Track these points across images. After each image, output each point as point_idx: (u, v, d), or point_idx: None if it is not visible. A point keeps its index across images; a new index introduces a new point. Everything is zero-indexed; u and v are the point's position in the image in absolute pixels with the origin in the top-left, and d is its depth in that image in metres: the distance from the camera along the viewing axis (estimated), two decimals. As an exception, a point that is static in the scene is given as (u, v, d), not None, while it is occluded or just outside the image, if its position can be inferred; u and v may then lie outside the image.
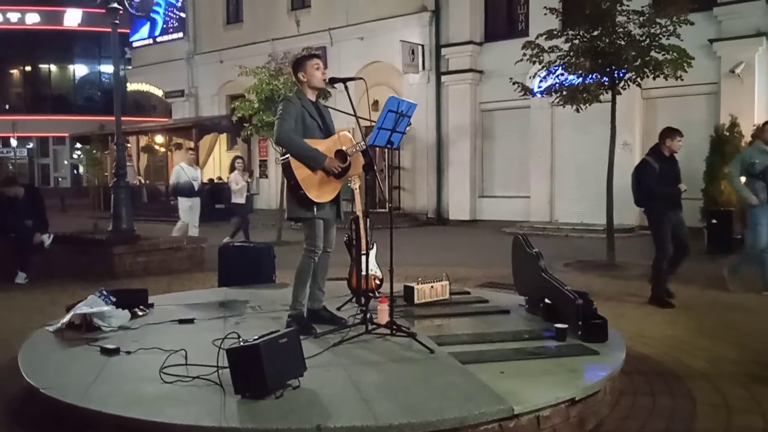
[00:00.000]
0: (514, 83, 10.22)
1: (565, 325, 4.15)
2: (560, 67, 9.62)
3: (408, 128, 4.34)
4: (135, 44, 25.58)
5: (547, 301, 4.63)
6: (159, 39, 24.49)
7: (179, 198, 11.55)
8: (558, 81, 9.79)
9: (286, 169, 4.30)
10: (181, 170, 11.75)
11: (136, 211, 11.31)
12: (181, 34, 23.65)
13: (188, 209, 11.58)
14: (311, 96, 4.51)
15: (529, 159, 15.54)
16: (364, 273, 4.80)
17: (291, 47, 15.17)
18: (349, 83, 4.50)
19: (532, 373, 3.53)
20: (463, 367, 3.60)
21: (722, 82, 12.85)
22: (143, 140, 23.73)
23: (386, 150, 4.44)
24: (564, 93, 9.68)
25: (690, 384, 4.05)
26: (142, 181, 23.37)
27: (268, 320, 4.65)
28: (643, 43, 8.94)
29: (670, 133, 6.78)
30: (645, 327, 5.57)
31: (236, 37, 21.35)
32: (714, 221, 10.41)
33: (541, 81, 10.49)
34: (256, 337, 3.22)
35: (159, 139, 23.20)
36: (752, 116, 11.80)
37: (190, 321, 4.77)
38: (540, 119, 15.00)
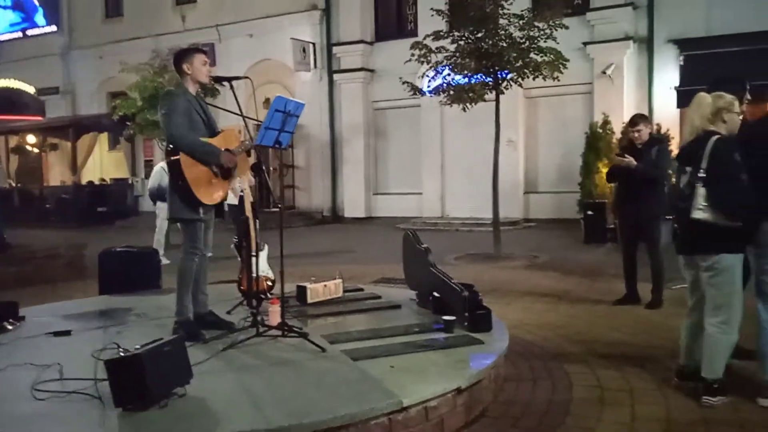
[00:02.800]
0: (404, 83, 10.42)
1: (453, 317, 4.29)
2: (447, 68, 9.93)
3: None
4: (2, 38, 23.66)
5: (435, 294, 4.77)
6: (30, 32, 22.79)
7: (158, 203, 10.20)
8: (445, 81, 10.10)
9: (174, 168, 4.15)
10: (163, 172, 10.61)
11: (7, 216, 10.45)
12: (54, 28, 22.14)
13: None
14: (193, 90, 4.37)
15: (421, 156, 15.90)
16: (254, 275, 4.72)
17: (176, 43, 14.58)
18: (237, 81, 4.40)
19: (421, 365, 3.62)
20: (355, 364, 3.63)
21: (595, 82, 13.75)
22: (13, 140, 22.00)
23: (279, 149, 4.39)
24: (451, 93, 10.00)
25: (568, 368, 4.31)
26: (13, 185, 21.68)
27: (153, 328, 4.46)
28: (523, 46, 9.39)
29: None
30: (528, 315, 5.88)
31: (117, 31, 20.26)
32: (590, 212, 11.12)
33: (429, 81, 10.77)
34: (138, 346, 3.09)
35: (31, 139, 21.58)
36: (622, 114, 12.69)
37: (67, 333, 4.47)
38: (430, 118, 15.37)
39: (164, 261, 9.20)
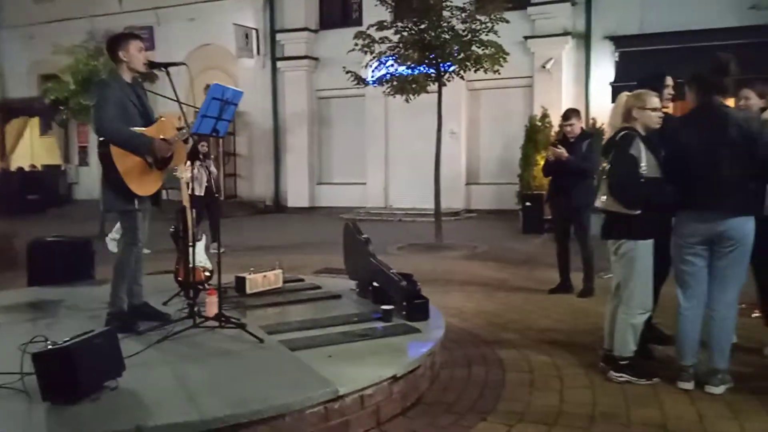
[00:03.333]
0: (347, 72, 10.40)
1: (391, 306, 4.36)
2: (391, 58, 9.97)
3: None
4: None
5: (375, 284, 4.82)
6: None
7: None
8: (389, 71, 10.15)
9: (106, 159, 4.04)
10: None
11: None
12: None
13: None
14: (128, 78, 4.24)
15: (365, 146, 15.92)
16: (191, 265, 4.65)
17: (112, 25, 14.12)
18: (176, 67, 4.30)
19: (358, 354, 3.67)
20: (293, 354, 3.65)
21: (535, 76, 14.08)
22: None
23: (217, 137, 4.32)
24: (395, 83, 10.05)
25: (502, 354, 4.45)
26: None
27: (84, 320, 4.35)
28: (465, 38, 9.52)
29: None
30: (466, 304, 6.01)
31: (49, 11, 19.39)
32: (528, 204, 11.42)
33: (374, 71, 10.80)
34: (67, 339, 3.01)
35: (-45, 122, 20.51)
36: (560, 108, 12.98)
37: (-8, 326, 4.32)
38: (375, 108, 15.40)
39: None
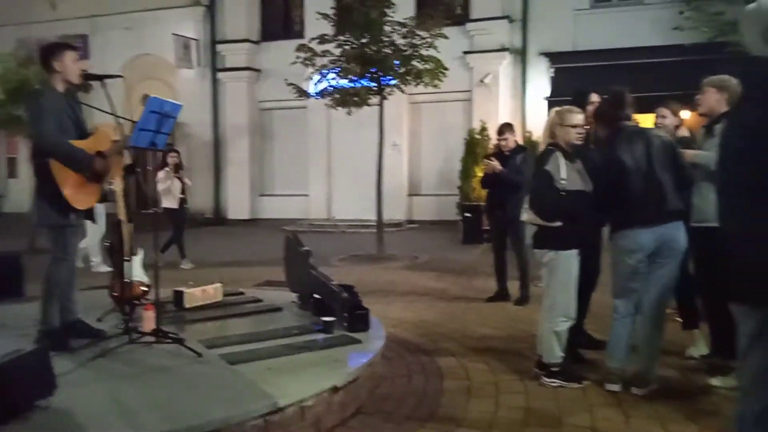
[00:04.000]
0: (289, 84, 10.41)
1: (333, 318, 4.39)
2: (333, 71, 10.04)
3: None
4: None
5: (316, 296, 4.85)
6: None
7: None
8: (331, 84, 10.22)
9: (43, 171, 3.93)
10: None
11: None
12: None
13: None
14: (62, 89, 4.14)
15: (307, 158, 15.90)
16: (127, 280, 4.57)
17: (45, 33, 13.66)
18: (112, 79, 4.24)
19: (299, 366, 3.69)
20: (232, 367, 3.63)
21: (474, 90, 14.43)
22: None
23: (155, 150, 4.27)
24: (337, 96, 10.13)
25: (441, 362, 4.54)
26: None
27: (14, 338, 4.19)
28: (405, 53, 9.70)
29: None
30: (407, 314, 6.09)
31: (-24, 16, 18.60)
32: (467, 215, 11.66)
33: (316, 83, 10.84)
34: (-5, 357, 2.92)
35: None
36: (498, 121, 13.33)
37: None
38: (317, 120, 15.43)
39: (102, 268, 8.42)
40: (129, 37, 16.77)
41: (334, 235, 13.61)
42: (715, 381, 3.95)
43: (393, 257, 9.96)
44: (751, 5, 2.18)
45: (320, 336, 4.29)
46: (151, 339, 3.99)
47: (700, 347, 4.54)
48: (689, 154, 3.95)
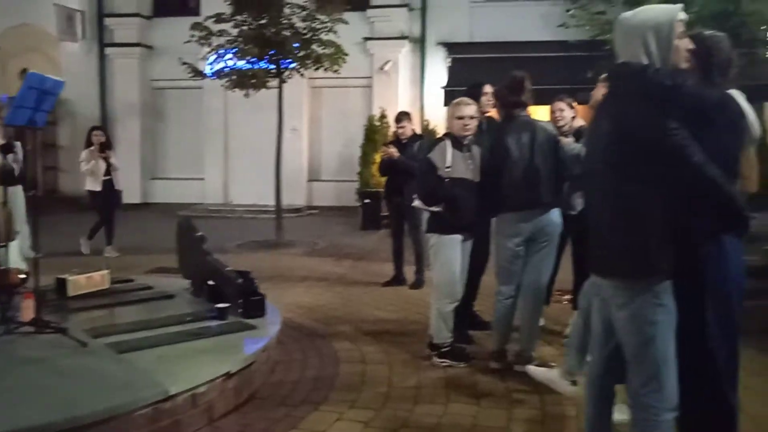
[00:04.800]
0: (183, 63, 10.04)
1: (227, 305, 4.34)
2: (230, 51, 9.78)
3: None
4: None
5: (210, 282, 4.76)
6: None
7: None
8: (228, 65, 9.95)
9: None
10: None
11: None
12: None
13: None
14: None
15: (203, 140, 15.41)
16: (3, 267, 4.29)
17: None
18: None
19: (192, 353, 3.63)
20: (120, 356, 3.52)
21: (374, 77, 14.51)
22: None
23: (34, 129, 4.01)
24: (234, 77, 9.88)
25: (337, 346, 4.62)
26: None
27: None
28: (305, 36, 9.61)
29: None
30: (304, 299, 6.12)
31: None
32: (367, 201, 11.79)
33: (212, 63, 10.52)
34: None
35: None
36: (397, 108, 13.49)
37: None
38: (214, 101, 14.94)
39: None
40: (4, 5, 15.45)
41: (231, 220, 13.32)
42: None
43: (292, 243, 9.91)
44: (628, 14, 2.38)
45: (214, 322, 4.23)
46: (31, 329, 3.78)
47: (578, 326, 4.88)
48: (565, 142, 4.22)
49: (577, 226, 4.26)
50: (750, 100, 2.68)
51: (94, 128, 9.27)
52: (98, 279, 5.07)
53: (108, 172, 8.82)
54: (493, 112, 5.05)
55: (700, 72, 2.52)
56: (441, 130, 12.82)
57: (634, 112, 2.24)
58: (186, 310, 4.61)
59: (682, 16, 2.31)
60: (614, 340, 2.49)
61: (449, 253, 4.13)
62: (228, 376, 3.40)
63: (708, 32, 2.72)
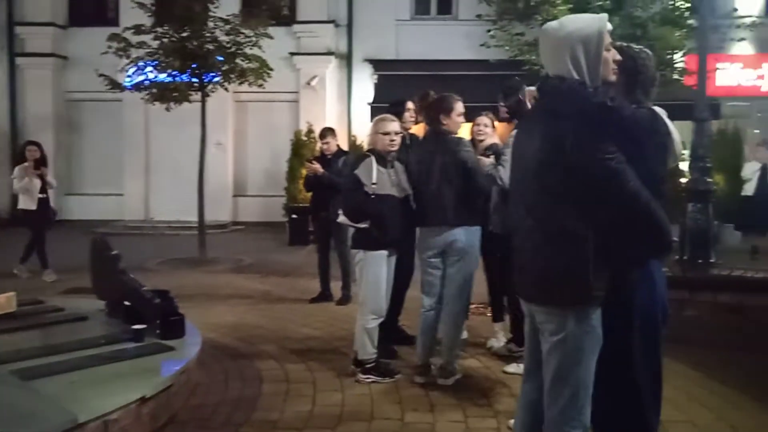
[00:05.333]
0: (100, 75, 9.69)
1: (144, 326, 4.17)
2: (150, 64, 9.52)
3: None
4: None
5: (126, 303, 4.57)
6: None
7: None
8: (148, 78, 9.67)
9: None
10: None
11: None
12: None
13: None
14: None
15: (123, 155, 14.86)
16: None
17: None
18: None
19: (106, 378, 3.46)
20: (26, 383, 3.31)
21: (301, 92, 14.47)
22: None
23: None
24: (154, 91, 9.61)
25: (260, 365, 4.53)
26: None
27: None
28: (229, 50, 9.48)
29: None
30: (228, 318, 5.97)
31: None
32: (294, 216, 11.68)
33: (131, 76, 10.20)
34: None
35: None
36: (324, 124, 13.54)
37: None
38: (134, 114, 14.44)
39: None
40: None
41: (152, 237, 12.88)
42: (509, 368, 4.38)
43: (216, 260, 9.68)
44: (554, 24, 2.26)
45: (130, 345, 4.05)
46: (-76, 358, 3.51)
47: (499, 339, 4.99)
48: (484, 162, 4.33)
49: (497, 242, 4.38)
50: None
51: (28, 143, 8.69)
52: (2, 302, 4.77)
53: (44, 189, 8.25)
54: (415, 129, 5.14)
55: (624, 87, 2.45)
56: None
57: (570, 133, 2.10)
58: (100, 332, 4.40)
59: (609, 26, 2.21)
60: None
61: (376, 269, 4.14)
62: (143, 400, 3.26)
63: (636, 47, 2.67)
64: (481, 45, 11.63)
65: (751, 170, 9.77)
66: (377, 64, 14.38)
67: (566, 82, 2.17)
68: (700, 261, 5.77)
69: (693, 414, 3.69)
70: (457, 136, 4.22)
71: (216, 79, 9.66)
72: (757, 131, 14.97)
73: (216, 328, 5.46)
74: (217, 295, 7.11)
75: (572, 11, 9.60)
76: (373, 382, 4.14)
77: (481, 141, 4.80)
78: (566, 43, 2.18)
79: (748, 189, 9.75)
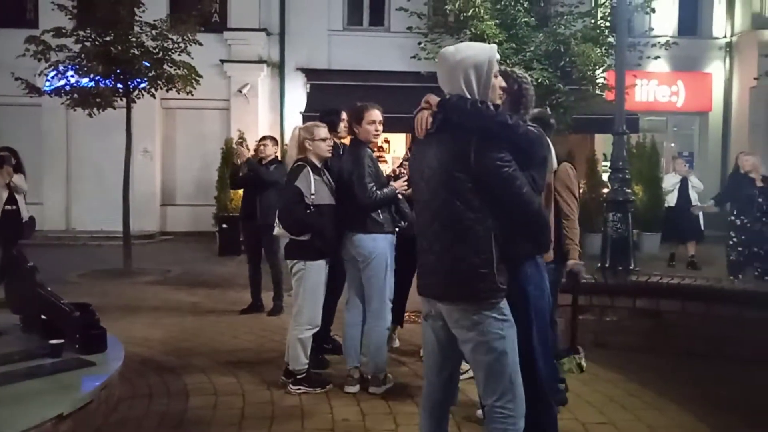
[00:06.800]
0: (17, 79, 9.23)
1: (61, 340, 3.98)
2: (72, 68, 9.15)
3: None
4: None
5: (43, 317, 4.36)
6: None
7: None
8: (69, 82, 9.29)
9: None
10: None
11: None
12: None
13: None
14: None
15: (41, 162, 14.17)
16: None
17: None
18: None
19: (21, 395, 3.29)
20: (-71, 405, 3.10)
21: (232, 100, 14.24)
22: None
23: None
24: (75, 96, 9.24)
25: (187, 379, 4.41)
26: None
27: None
28: (157, 56, 9.23)
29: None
30: (154, 331, 5.78)
31: None
32: (224, 226, 11.46)
33: (50, 80, 9.77)
34: None
35: None
36: (257, 132, 13.40)
37: None
38: (53, 120, 13.81)
39: None
40: None
41: (73, 248, 12.34)
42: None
43: (142, 271, 9.36)
44: (450, 50, 2.50)
45: (47, 360, 3.86)
46: None
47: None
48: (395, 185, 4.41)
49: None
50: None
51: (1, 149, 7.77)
52: None
53: (13, 199, 7.47)
54: (347, 140, 5.16)
55: (509, 107, 2.70)
56: (288, 159, 12.84)
57: (474, 146, 2.32)
58: (14, 347, 4.16)
59: (498, 56, 2.48)
60: (451, 364, 2.59)
61: (316, 278, 4.08)
62: (60, 418, 3.11)
63: (519, 72, 2.96)
64: (412, 57, 11.79)
65: (671, 182, 10.30)
66: (310, 74, 14.35)
67: (469, 101, 2.38)
68: (620, 268, 6.00)
69: (613, 416, 3.83)
70: (361, 144, 4.19)
71: (142, 85, 9.39)
72: (673, 145, 15.86)
73: (141, 342, 5.27)
74: (142, 308, 6.87)
75: (499, 26, 9.90)
76: (303, 393, 4.09)
77: None
78: (461, 67, 2.41)
79: (670, 200, 10.28)
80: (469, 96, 2.40)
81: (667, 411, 3.96)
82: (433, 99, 2.48)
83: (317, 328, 4.19)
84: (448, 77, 2.46)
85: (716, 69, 15.89)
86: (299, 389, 4.10)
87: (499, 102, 2.50)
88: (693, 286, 5.43)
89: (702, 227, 10.04)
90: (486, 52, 2.45)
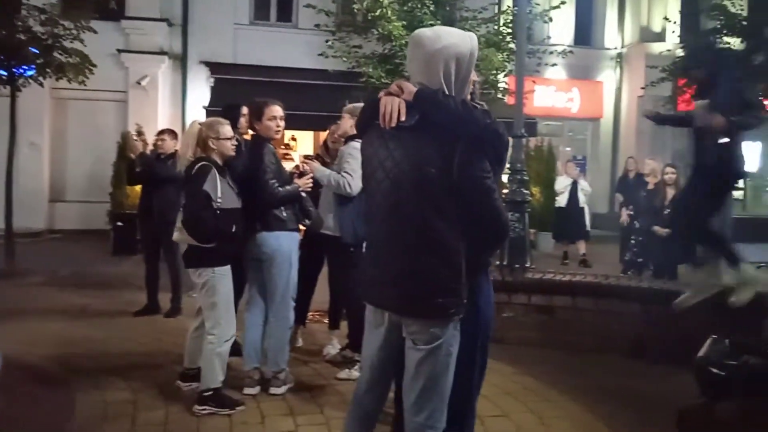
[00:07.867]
0: None
1: (-71, 349, 3.65)
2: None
3: None
4: None
5: None
6: None
7: None
8: (-57, 67, 8.55)
9: None
10: None
11: None
12: None
13: None
14: None
15: None
16: None
17: None
18: None
19: None
20: None
21: (130, 91, 13.60)
22: None
23: None
24: (-51, 82, 8.52)
25: (74, 386, 4.14)
26: None
27: None
28: (46, 43, 8.66)
29: None
30: (38, 336, 5.39)
31: None
32: (120, 223, 10.92)
33: None
34: None
35: None
36: (156, 126, 12.84)
37: None
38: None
39: None
40: None
41: (-52, 247, 11.34)
42: (342, 374, 4.43)
43: (27, 271, 8.72)
44: (428, 34, 2.20)
45: None
46: None
47: (335, 345, 5.02)
48: (313, 166, 4.37)
49: (336, 249, 4.43)
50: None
51: None
52: None
53: None
54: (248, 135, 5.04)
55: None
56: (181, 158, 12.43)
57: (458, 153, 2.13)
58: None
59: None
60: (391, 367, 2.41)
61: (227, 284, 3.82)
62: (-76, 435, 2.85)
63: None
64: (320, 54, 11.72)
65: (563, 184, 10.88)
66: (214, 67, 13.95)
67: (452, 99, 2.16)
68: (517, 266, 6.23)
69: (507, 408, 3.98)
70: (262, 141, 4.09)
71: (29, 72, 8.78)
72: (568, 149, 16.72)
73: (23, 347, 4.89)
74: (26, 311, 6.41)
75: (406, 28, 10.04)
76: (210, 414, 3.71)
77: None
78: (441, 57, 2.16)
79: (561, 201, 10.85)
80: (445, 89, 2.17)
81: (557, 402, 4.16)
82: (408, 87, 2.20)
83: (234, 337, 3.96)
84: (423, 66, 2.19)
85: (608, 78, 16.91)
86: (204, 410, 3.72)
87: (468, 97, 2.29)
88: (583, 283, 5.73)
89: (588, 227, 10.74)
90: (467, 42, 2.21)
